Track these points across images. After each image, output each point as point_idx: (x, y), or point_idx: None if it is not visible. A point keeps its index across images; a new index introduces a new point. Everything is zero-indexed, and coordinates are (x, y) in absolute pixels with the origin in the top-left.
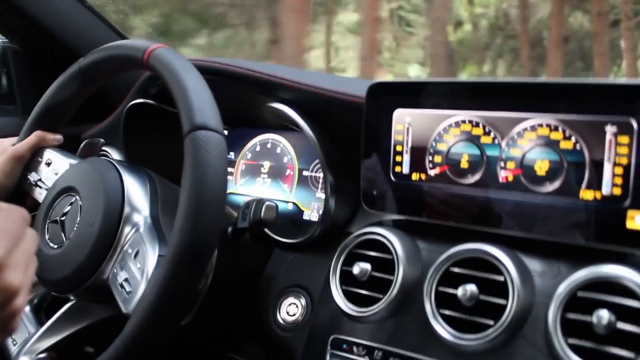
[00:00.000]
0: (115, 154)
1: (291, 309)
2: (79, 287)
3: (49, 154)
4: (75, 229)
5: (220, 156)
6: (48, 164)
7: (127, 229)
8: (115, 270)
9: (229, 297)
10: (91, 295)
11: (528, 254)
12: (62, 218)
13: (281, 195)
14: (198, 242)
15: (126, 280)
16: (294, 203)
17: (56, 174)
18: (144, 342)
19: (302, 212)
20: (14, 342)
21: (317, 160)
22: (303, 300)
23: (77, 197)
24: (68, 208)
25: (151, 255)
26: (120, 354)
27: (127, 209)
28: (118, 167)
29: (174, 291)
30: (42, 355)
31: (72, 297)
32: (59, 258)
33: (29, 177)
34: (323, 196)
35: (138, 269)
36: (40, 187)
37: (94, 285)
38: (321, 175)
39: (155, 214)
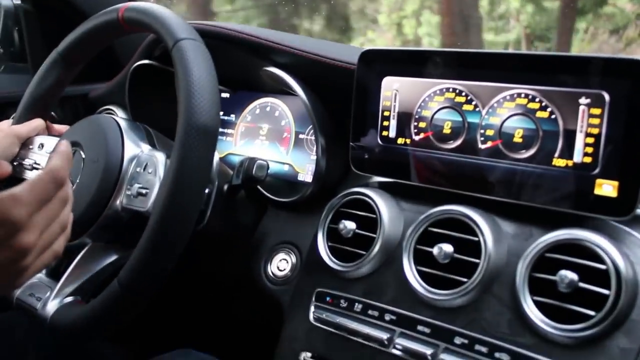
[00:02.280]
0: (120, 113)
1: (282, 264)
2: (93, 224)
3: (40, 139)
4: (79, 175)
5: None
6: (41, 146)
7: (129, 164)
8: (127, 192)
9: (223, 251)
10: (106, 232)
11: (503, 216)
12: None
13: (278, 156)
14: (200, 127)
15: (140, 188)
16: (289, 164)
17: None
18: (167, 233)
19: (297, 173)
20: (38, 298)
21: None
22: (293, 256)
23: (81, 150)
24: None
25: (160, 156)
26: (148, 247)
27: (127, 151)
28: (118, 121)
29: (189, 170)
30: (69, 299)
31: (88, 241)
32: None
33: (23, 163)
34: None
35: (149, 174)
36: (37, 169)
37: (108, 218)
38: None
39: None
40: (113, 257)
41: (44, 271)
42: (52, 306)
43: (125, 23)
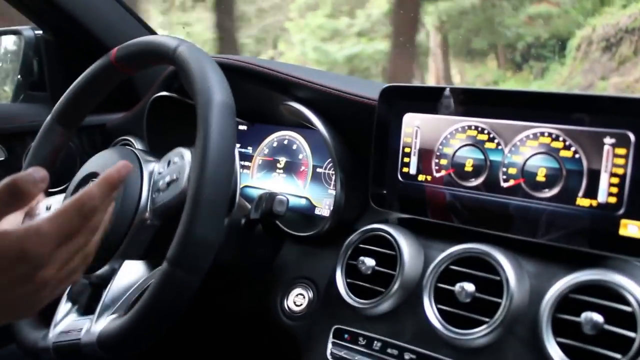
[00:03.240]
0: (137, 144)
1: (298, 300)
2: (118, 247)
3: (46, 201)
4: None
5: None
6: (48, 209)
7: (149, 182)
8: (154, 195)
9: (239, 285)
10: (136, 248)
11: (525, 256)
12: None
13: (295, 190)
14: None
15: (170, 179)
16: (307, 198)
17: None
18: (209, 195)
19: (314, 207)
20: (78, 331)
21: (330, 158)
22: (310, 292)
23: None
24: None
25: (185, 153)
26: (192, 214)
27: (145, 179)
28: (137, 153)
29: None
30: (112, 316)
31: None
32: None
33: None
34: (334, 193)
35: (175, 164)
36: None
37: (135, 234)
38: (333, 172)
39: None
40: (149, 273)
41: (75, 312)
42: (96, 329)
43: (119, 63)
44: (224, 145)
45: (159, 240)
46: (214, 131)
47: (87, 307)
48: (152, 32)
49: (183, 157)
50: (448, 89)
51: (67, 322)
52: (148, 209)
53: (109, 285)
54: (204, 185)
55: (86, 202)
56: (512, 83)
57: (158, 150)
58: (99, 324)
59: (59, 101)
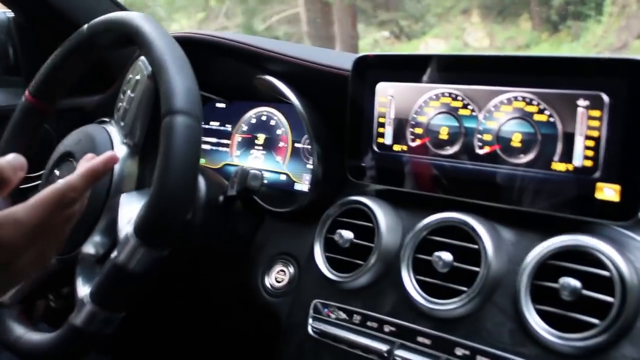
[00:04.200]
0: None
1: (279, 276)
2: (89, 234)
3: None
4: None
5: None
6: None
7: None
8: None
9: (219, 263)
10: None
11: (503, 223)
12: None
13: (275, 166)
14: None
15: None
16: (286, 174)
17: None
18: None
19: (294, 182)
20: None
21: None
22: (291, 268)
23: (74, 161)
24: (65, 172)
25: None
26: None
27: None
28: (108, 131)
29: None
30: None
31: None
32: None
33: None
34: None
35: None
36: None
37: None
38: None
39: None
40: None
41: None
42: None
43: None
44: (188, 160)
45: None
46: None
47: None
48: (118, 5)
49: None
50: (420, 55)
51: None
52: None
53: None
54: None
55: (67, 193)
56: (546, 47)
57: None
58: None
59: (34, 79)
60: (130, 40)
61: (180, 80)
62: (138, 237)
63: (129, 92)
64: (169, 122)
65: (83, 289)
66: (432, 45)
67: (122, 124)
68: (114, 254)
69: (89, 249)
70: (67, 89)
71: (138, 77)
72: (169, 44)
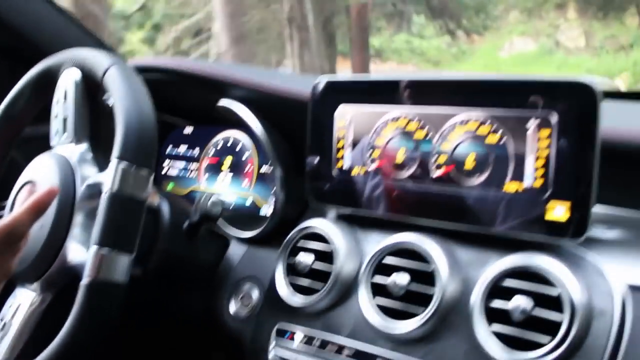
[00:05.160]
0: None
1: (245, 301)
2: (46, 271)
3: None
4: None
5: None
6: None
7: (83, 202)
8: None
9: (184, 289)
10: (58, 284)
11: (459, 244)
12: None
13: (240, 190)
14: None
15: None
16: (252, 198)
17: None
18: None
19: (259, 207)
20: None
21: None
22: (256, 292)
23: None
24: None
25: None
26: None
27: (78, 184)
28: (66, 156)
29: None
30: None
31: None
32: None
33: None
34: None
35: None
36: None
37: (60, 267)
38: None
39: None
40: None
41: None
42: None
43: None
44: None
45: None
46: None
47: None
48: (93, 37)
49: None
50: (378, 80)
51: None
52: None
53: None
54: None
55: (16, 227)
56: None
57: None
58: None
59: (6, 98)
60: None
61: (94, 51)
62: (124, 159)
63: (61, 106)
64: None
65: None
66: (518, 44)
67: (65, 135)
68: (105, 188)
69: (72, 250)
70: (28, 121)
71: (65, 89)
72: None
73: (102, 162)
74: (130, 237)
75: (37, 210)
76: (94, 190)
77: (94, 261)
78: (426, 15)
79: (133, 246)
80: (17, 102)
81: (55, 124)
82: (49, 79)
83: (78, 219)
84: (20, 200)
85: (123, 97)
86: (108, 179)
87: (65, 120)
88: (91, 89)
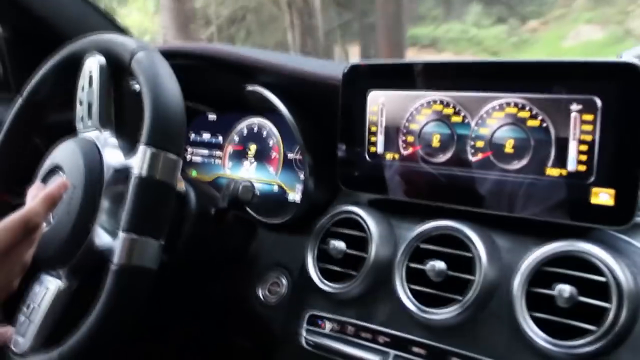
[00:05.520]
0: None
1: (273, 288)
2: (73, 256)
3: None
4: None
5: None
6: None
7: (109, 186)
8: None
9: (212, 275)
10: (85, 269)
11: (497, 230)
12: None
13: (267, 177)
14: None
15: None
16: (279, 185)
17: None
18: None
19: (286, 193)
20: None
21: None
22: (284, 279)
23: (62, 173)
24: None
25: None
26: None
27: (107, 170)
28: (97, 144)
29: None
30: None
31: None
32: (49, 234)
33: None
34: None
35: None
36: None
37: (87, 252)
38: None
39: None
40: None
41: None
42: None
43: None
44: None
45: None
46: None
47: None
48: (113, 22)
49: None
50: (411, 63)
51: None
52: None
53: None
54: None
55: (32, 218)
56: None
57: (127, 136)
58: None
59: (28, 86)
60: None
61: (120, 36)
62: (153, 145)
63: (85, 92)
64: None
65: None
66: (584, 32)
67: (90, 122)
68: (135, 173)
69: (97, 238)
70: (52, 107)
71: (89, 74)
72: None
73: (127, 149)
74: (160, 223)
75: (52, 201)
76: (121, 176)
77: (123, 246)
78: (477, 1)
79: (163, 232)
80: (42, 88)
81: (79, 110)
82: (73, 64)
83: (105, 204)
84: (33, 193)
85: (151, 83)
86: (137, 163)
87: (90, 106)
88: (117, 74)
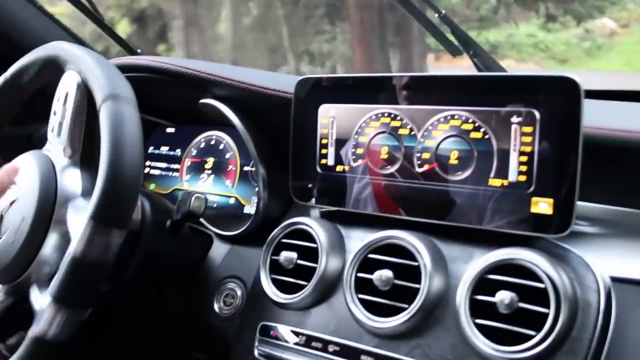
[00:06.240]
0: None
1: (228, 300)
2: (15, 279)
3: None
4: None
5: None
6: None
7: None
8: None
9: (167, 287)
10: (22, 293)
11: (443, 239)
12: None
13: (223, 190)
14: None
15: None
16: (235, 197)
17: None
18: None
19: (243, 206)
20: None
21: None
22: (239, 291)
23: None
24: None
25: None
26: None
27: (59, 196)
28: (51, 157)
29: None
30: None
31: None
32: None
33: None
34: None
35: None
36: None
37: (26, 282)
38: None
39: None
40: None
41: None
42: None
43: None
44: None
45: None
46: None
47: None
48: (68, 32)
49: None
50: (360, 77)
51: None
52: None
53: None
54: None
55: None
56: None
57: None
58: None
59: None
60: (54, 65)
61: (105, 71)
62: (97, 220)
63: (60, 106)
64: (106, 108)
65: (41, 298)
66: None
67: (58, 139)
68: (71, 248)
69: (40, 268)
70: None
71: (67, 90)
72: (88, 52)
73: (88, 177)
74: (85, 296)
75: None
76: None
77: (47, 313)
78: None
79: (86, 306)
80: (25, 73)
81: (52, 121)
82: (56, 66)
83: (51, 238)
84: None
85: (110, 143)
86: (76, 236)
87: (61, 124)
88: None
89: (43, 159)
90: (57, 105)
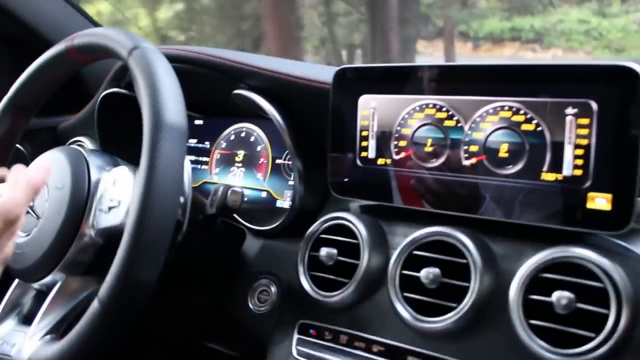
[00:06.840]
0: (90, 145)
1: (262, 296)
2: (63, 256)
3: None
4: (45, 203)
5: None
6: None
7: (96, 187)
8: (99, 211)
9: (199, 283)
10: (80, 263)
11: (492, 236)
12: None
13: (255, 183)
14: (168, 124)
15: (112, 202)
16: (267, 191)
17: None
18: (146, 237)
19: (275, 199)
20: (12, 345)
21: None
22: (274, 287)
23: (46, 185)
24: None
25: (126, 170)
26: (126, 257)
27: (93, 175)
28: (81, 150)
29: (162, 169)
30: (46, 338)
31: (60, 276)
32: (31, 242)
33: None
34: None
35: (119, 187)
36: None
37: (81, 247)
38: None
39: None
40: (90, 289)
41: (15, 318)
42: (28, 349)
43: (75, 52)
44: (169, 180)
45: (101, 259)
46: (160, 163)
47: (26, 316)
48: (94, 22)
49: (125, 181)
50: (403, 66)
51: (3, 329)
52: (91, 224)
53: (47, 299)
54: (143, 225)
55: (12, 209)
56: None
57: (111, 150)
58: (32, 343)
59: (11, 89)
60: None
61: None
62: (125, 273)
63: None
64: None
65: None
66: None
67: None
68: (98, 295)
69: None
70: (43, 101)
71: None
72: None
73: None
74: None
75: (34, 189)
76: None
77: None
78: None
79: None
80: (24, 91)
81: None
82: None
83: (80, 241)
84: (11, 180)
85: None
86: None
87: None
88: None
89: (69, 150)
90: None
